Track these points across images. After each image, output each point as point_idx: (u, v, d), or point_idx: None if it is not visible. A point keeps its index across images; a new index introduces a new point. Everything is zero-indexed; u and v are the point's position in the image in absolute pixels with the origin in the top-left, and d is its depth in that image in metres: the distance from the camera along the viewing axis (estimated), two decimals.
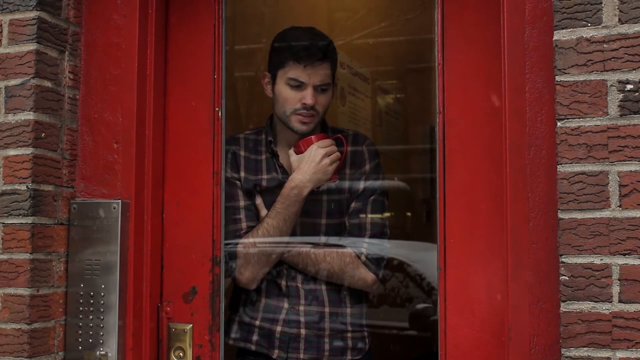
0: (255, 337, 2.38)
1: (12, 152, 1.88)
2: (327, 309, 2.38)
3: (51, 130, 1.92)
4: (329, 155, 2.33)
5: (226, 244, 2.31)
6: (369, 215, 2.41)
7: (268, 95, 2.45)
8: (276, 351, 2.35)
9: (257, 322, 2.39)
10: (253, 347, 2.39)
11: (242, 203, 2.38)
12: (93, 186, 1.98)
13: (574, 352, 1.50)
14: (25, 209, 1.85)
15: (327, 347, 2.37)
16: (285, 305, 2.38)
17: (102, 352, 1.90)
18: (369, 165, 2.45)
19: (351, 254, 2.35)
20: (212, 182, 2.01)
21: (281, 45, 2.44)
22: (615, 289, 1.49)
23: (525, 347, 1.65)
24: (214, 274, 1.99)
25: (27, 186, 1.85)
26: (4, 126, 1.89)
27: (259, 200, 2.40)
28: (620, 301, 1.48)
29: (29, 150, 1.86)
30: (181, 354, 1.99)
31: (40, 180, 1.88)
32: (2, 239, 1.87)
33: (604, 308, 1.49)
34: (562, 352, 1.52)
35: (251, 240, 2.32)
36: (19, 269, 1.84)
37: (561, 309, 1.52)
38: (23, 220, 1.85)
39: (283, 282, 2.38)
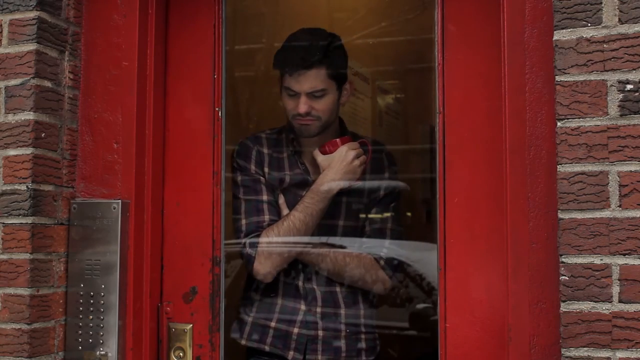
0: (269, 338, 2.39)
1: (12, 152, 1.88)
2: (342, 311, 2.41)
3: (51, 130, 1.92)
4: (358, 157, 2.39)
5: (246, 235, 2.34)
6: (389, 221, 2.47)
7: None
8: (291, 352, 2.36)
9: (273, 324, 2.40)
10: (267, 348, 2.40)
11: (265, 197, 2.41)
12: (93, 186, 1.98)
13: (574, 352, 1.50)
14: (25, 209, 1.85)
15: (343, 348, 2.39)
16: (303, 307, 2.39)
17: (102, 352, 1.90)
18: (388, 172, 2.52)
19: (370, 258, 2.40)
20: (212, 182, 2.01)
21: (277, 54, 2.47)
22: (615, 289, 1.49)
23: (525, 347, 1.65)
24: (214, 274, 1.99)
25: (27, 186, 1.85)
26: (4, 126, 1.89)
27: (281, 200, 2.42)
28: (620, 301, 1.48)
29: (29, 150, 1.86)
30: (181, 354, 1.99)
31: (40, 180, 1.88)
32: (2, 239, 1.87)
33: (604, 308, 1.49)
34: (562, 352, 1.52)
35: (275, 232, 2.34)
36: (19, 269, 1.84)
37: (561, 309, 1.52)
38: (23, 220, 1.85)
39: (300, 284, 2.40)
